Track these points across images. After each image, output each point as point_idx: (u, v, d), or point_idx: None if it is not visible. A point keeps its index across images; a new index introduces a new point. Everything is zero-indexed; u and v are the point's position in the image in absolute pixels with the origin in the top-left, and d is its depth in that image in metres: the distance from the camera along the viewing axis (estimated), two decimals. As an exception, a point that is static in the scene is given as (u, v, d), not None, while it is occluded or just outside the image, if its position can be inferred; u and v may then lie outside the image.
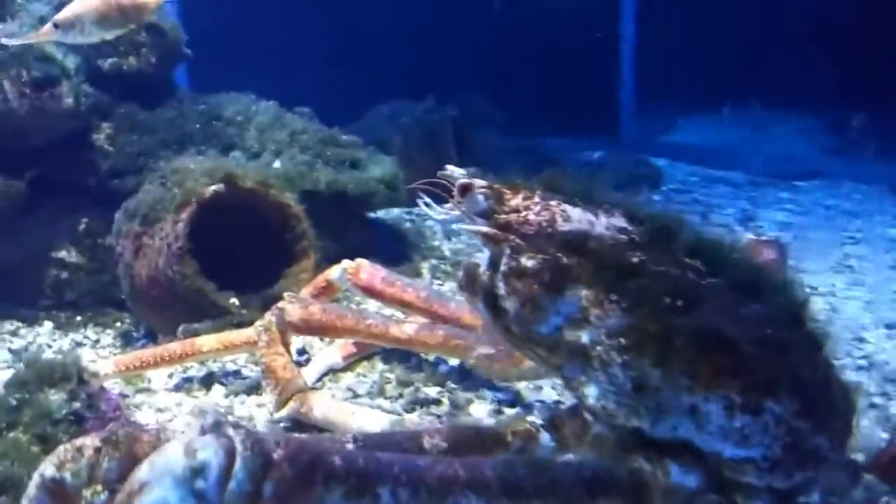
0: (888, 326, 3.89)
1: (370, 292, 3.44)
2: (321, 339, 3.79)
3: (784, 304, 2.19)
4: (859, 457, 2.31)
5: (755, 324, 2.09)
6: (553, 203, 2.23)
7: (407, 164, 5.34)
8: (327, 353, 3.62)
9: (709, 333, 2.03)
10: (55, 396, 2.67)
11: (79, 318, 4.49)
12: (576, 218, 2.20)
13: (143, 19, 3.49)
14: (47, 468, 1.81)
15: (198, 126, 4.89)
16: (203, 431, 1.40)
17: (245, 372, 3.66)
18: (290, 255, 4.16)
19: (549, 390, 3.21)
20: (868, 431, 2.47)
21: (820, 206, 6.34)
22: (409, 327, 3.10)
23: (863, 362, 3.43)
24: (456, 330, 3.05)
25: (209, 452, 1.37)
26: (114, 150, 4.63)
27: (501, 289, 2.17)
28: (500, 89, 8.10)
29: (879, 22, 7.80)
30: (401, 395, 3.33)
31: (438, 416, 3.15)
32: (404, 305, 3.38)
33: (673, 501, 2.01)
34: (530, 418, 2.25)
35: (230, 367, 3.71)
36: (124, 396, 3.43)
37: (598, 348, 2.07)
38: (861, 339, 3.69)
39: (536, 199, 2.24)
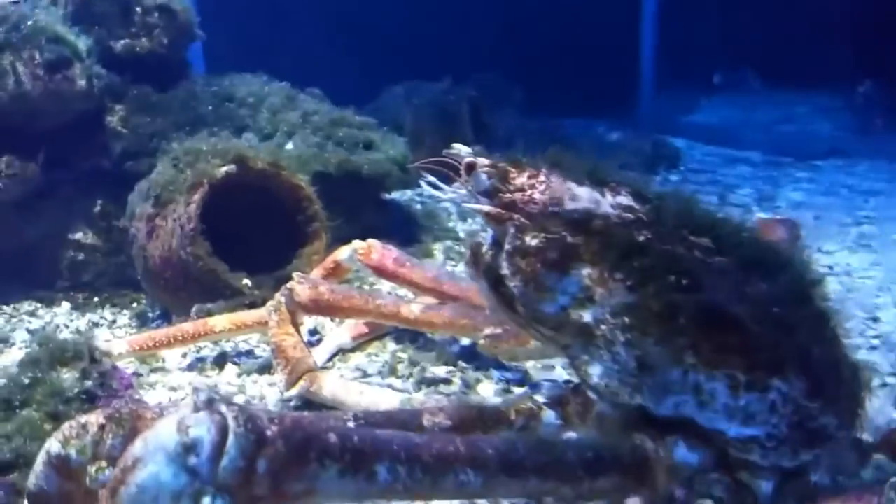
0: (903, 306, 3.85)
1: (381, 272, 3.45)
2: (333, 321, 3.80)
3: (793, 282, 2.16)
4: (869, 437, 2.29)
5: (762, 302, 2.07)
6: (558, 181, 2.20)
7: (420, 145, 5.33)
8: (338, 333, 3.63)
9: (713, 312, 2.01)
10: (67, 375, 2.70)
11: (96, 299, 4.54)
12: (581, 196, 2.17)
13: None
14: (53, 445, 1.84)
15: (210, 108, 4.90)
16: (196, 408, 1.40)
17: (257, 352, 3.69)
18: (303, 236, 4.17)
19: (560, 370, 3.20)
20: (879, 411, 2.45)
21: (839, 186, 6.28)
22: (416, 307, 3.10)
23: (876, 342, 3.40)
24: (464, 309, 3.05)
25: (201, 429, 1.38)
26: (127, 131, 4.65)
27: (505, 268, 2.16)
28: (519, 70, 8.07)
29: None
30: (411, 375, 3.34)
31: (447, 396, 3.16)
32: (415, 286, 3.39)
33: (676, 479, 2.00)
34: (535, 397, 2.24)
35: (243, 347, 3.74)
36: (138, 375, 3.47)
37: (603, 327, 2.05)
38: (875, 319, 3.65)
39: (542, 178, 2.21)
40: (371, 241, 3.47)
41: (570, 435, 2.11)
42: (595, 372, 2.07)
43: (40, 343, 2.85)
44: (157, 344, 3.46)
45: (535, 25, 8.78)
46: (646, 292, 2.03)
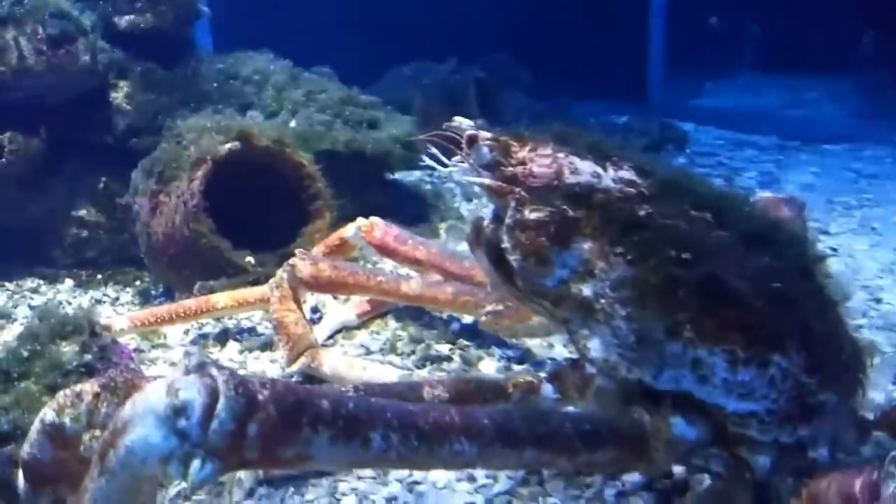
0: (907, 287, 3.83)
1: (383, 250, 3.44)
2: (335, 298, 3.79)
3: (794, 258, 2.15)
4: (869, 414, 2.28)
5: (763, 277, 2.05)
6: (560, 155, 2.18)
7: (426, 125, 5.29)
8: (340, 310, 3.63)
9: (714, 286, 2.00)
10: (67, 348, 2.69)
11: (99, 276, 4.54)
12: (583, 170, 2.15)
13: None
14: (47, 413, 1.83)
15: (215, 85, 4.88)
16: (187, 372, 1.39)
17: (260, 329, 3.69)
18: (307, 214, 4.16)
19: (561, 348, 3.18)
20: (879, 388, 2.43)
21: (845, 169, 6.23)
22: (417, 283, 3.09)
23: (879, 322, 3.38)
24: (465, 286, 3.04)
25: (191, 392, 1.37)
26: (131, 108, 4.62)
27: (506, 242, 2.14)
28: (527, 51, 8.03)
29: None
30: (413, 352, 3.33)
31: (448, 373, 3.15)
32: (417, 263, 3.37)
33: (675, 453, 1.99)
34: (534, 372, 2.23)
35: (245, 324, 3.74)
36: (140, 351, 3.47)
37: (602, 301, 2.04)
38: (878, 300, 3.63)
39: (543, 152, 2.20)
40: (374, 218, 3.46)
41: (569, 408, 2.10)
42: (594, 346, 2.06)
43: (40, 317, 2.84)
44: (159, 320, 3.46)
45: (544, 7, 8.73)
46: (646, 266, 2.02)
